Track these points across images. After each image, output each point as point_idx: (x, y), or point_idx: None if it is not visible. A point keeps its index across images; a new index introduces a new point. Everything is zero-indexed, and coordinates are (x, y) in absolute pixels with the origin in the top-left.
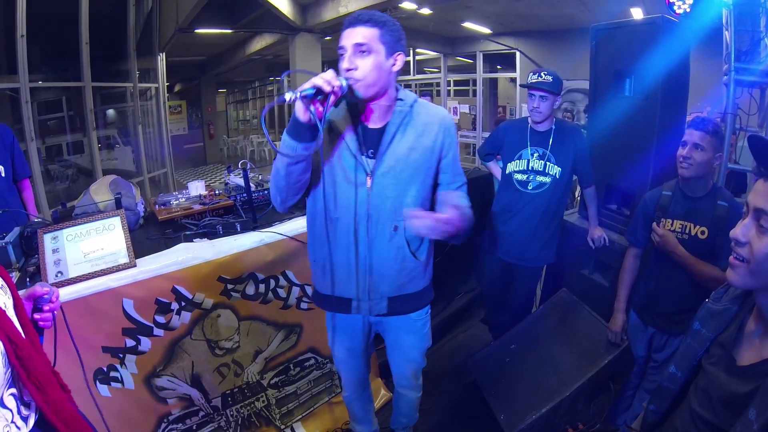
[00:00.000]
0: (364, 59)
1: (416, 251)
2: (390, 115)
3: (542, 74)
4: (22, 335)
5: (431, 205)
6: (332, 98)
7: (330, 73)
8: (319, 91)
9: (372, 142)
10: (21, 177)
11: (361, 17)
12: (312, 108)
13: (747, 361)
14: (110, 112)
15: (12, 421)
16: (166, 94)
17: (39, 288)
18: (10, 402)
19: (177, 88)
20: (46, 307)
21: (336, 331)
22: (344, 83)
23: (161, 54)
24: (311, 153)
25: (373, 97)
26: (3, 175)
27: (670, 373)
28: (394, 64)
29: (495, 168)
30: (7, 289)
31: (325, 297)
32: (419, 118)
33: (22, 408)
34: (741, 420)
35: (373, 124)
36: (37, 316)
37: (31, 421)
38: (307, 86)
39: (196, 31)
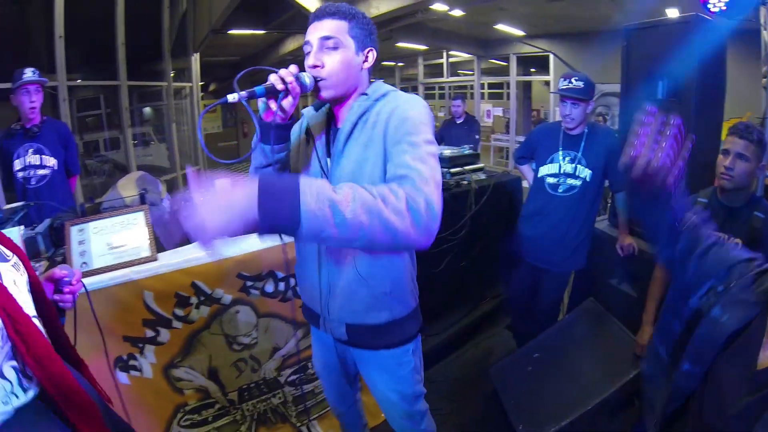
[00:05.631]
0: (331, 55)
1: (367, 276)
2: (347, 114)
3: (573, 80)
4: (23, 311)
5: None
6: (289, 97)
7: (289, 69)
8: (271, 88)
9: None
10: (71, 173)
11: (328, 9)
12: (272, 105)
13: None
14: (146, 110)
15: (12, 392)
16: (201, 93)
17: (58, 271)
18: (10, 374)
19: (212, 87)
20: (66, 289)
21: (315, 343)
22: (308, 81)
23: (195, 54)
24: (281, 156)
25: (342, 97)
26: (56, 168)
27: (683, 372)
28: (365, 61)
29: (527, 172)
30: (21, 266)
31: (304, 306)
32: (375, 110)
33: (24, 380)
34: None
35: (340, 124)
36: (57, 297)
37: (31, 393)
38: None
39: (229, 32)
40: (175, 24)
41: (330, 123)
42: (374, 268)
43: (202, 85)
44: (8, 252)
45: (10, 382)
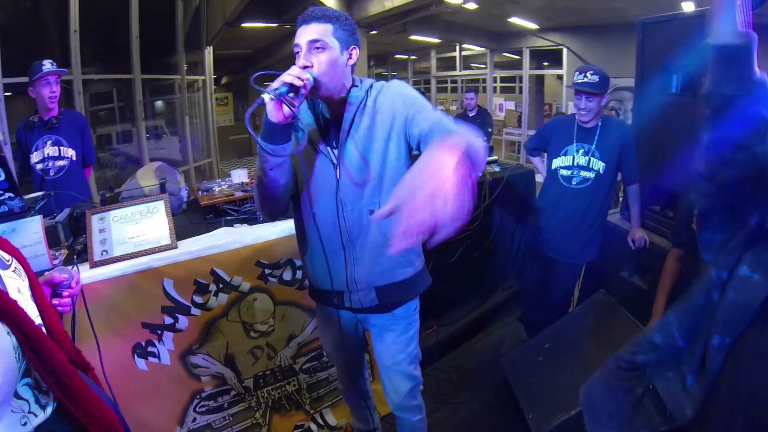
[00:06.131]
0: (319, 55)
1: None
2: (347, 105)
3: (588, 74)
4: (35, 324)
5: None
6: (303, 92)
7: (296, 69)
8: (290, 87)
9: (334, 134)
10: (87, 164)
11: (314, 14)
12: (285, 106)
13: None
14: (158, 103)
15: (29, 411)
16: (213, 87)
17: (57, 275)
18: (26, 393)
19: (224, 80)
20: (66, 293)
21: (325, 326)
22: (311, 77)
23: (209, 48)
24: (288, 153)
25: (331, 92)
26: (74, 159)
27: (715, 347)
28: (349, 58)
29: (539, 164)
30: (22, 271)
31: (318, 291)
32: (371, 98)
33: (40, 396)
34: None
35: (333, 116)
36: (55, 301)
37: (50, 409)
38: (277, 84)
39: (243, 25)
40: (189, 17)
41: (318, 117)
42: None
43: (214, 78)
44: (6, 256)
45: (27, 402)
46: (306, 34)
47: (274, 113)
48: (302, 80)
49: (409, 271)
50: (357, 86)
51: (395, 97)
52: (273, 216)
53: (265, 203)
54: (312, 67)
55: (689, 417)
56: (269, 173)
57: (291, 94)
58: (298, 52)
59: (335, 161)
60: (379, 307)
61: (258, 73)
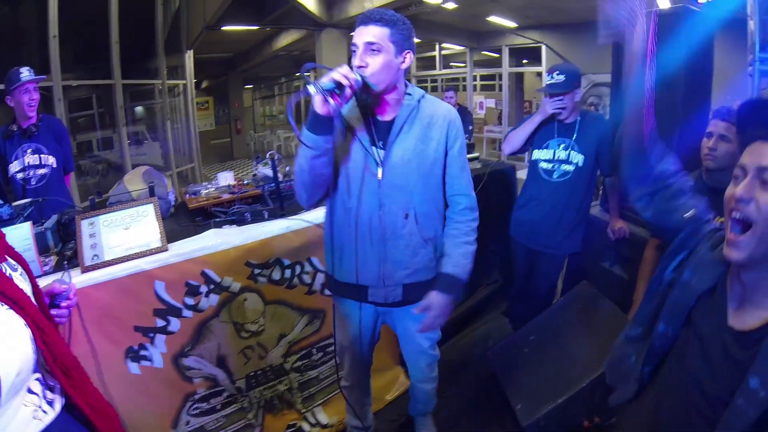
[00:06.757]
0: (374, 57)
1: (428, 239)
2: (399, 109)
3: (554, 75)
4: (47, 320)
5: (443, 195)
6: (349, 91)
7: (346, 68)
8: (338, 84)
9: (382, 134)
10: (66, 171)
11: (373, 16)
12: (331, 101)
13: (737, 325)
14: (138, 108)
15: (39, 406)
16: (194, 91)
17: (57, 285)
18: (36, 387)
19: (204, 84)
20: (64, 304)
21: (345, 319)
22: (359, 77)
23: (189, 51)
24: (332, 145)
25: (382, 92)
26: (55, 166)
27: (659, 332)
28: (403, 62)
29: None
30: (26, 275)
31: (341, 284)
32: (425, 111)
33: (47, 392)
34: (742, 390)
35: (383, 117)
36: (53, 312)
37: (58, 406)
38: (326, 80)
39: (223, 28)
40: (169, 21)
41: (368, 117)
42: (429, 231)
43: (195, 82)
44: (13, 262)
45: (38, 396)
46: (364, 35)
47: (319, 105)
48: (349, 80)
49: (434, 273)
50: (410, 94)
51: (452, 126)
52: (312, 203)
53: (304, 191)
54: (366, 67)
55: (630, 395)
56: (311, 161)
57: (337, 91)
58: (354, 51)
59: (380, 161)
60: (402, 302)
61: (309, 65)
